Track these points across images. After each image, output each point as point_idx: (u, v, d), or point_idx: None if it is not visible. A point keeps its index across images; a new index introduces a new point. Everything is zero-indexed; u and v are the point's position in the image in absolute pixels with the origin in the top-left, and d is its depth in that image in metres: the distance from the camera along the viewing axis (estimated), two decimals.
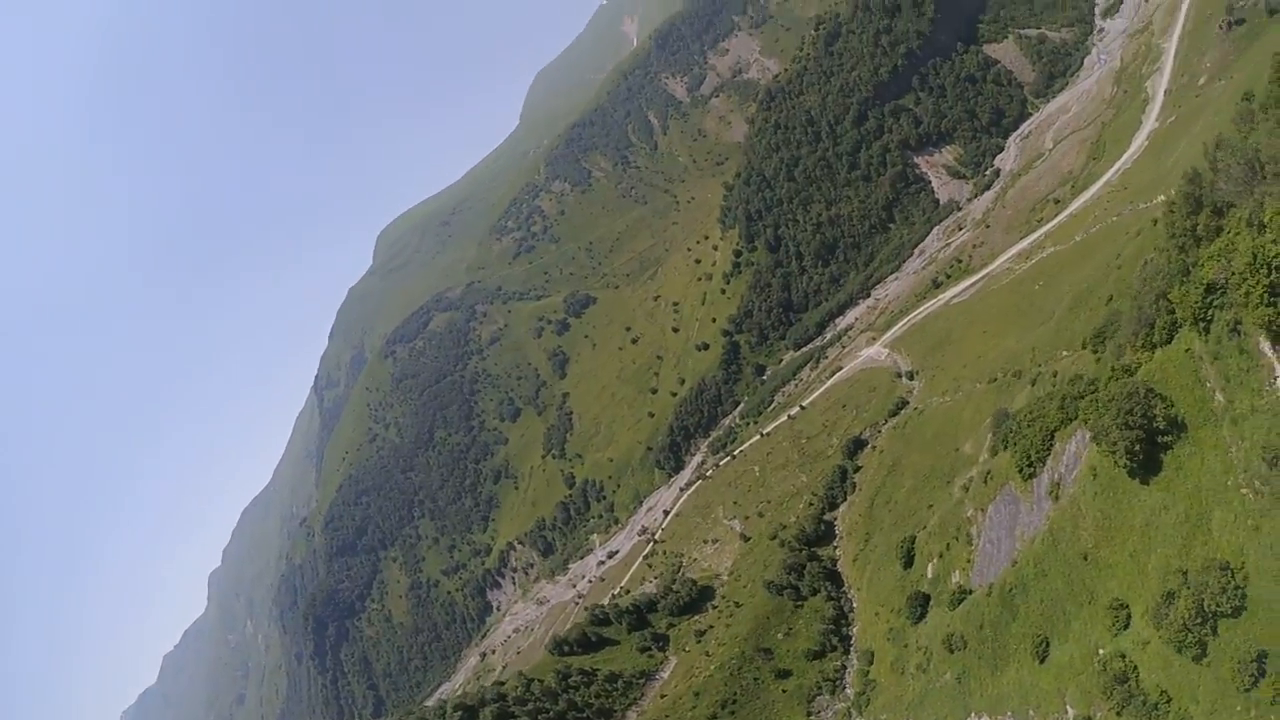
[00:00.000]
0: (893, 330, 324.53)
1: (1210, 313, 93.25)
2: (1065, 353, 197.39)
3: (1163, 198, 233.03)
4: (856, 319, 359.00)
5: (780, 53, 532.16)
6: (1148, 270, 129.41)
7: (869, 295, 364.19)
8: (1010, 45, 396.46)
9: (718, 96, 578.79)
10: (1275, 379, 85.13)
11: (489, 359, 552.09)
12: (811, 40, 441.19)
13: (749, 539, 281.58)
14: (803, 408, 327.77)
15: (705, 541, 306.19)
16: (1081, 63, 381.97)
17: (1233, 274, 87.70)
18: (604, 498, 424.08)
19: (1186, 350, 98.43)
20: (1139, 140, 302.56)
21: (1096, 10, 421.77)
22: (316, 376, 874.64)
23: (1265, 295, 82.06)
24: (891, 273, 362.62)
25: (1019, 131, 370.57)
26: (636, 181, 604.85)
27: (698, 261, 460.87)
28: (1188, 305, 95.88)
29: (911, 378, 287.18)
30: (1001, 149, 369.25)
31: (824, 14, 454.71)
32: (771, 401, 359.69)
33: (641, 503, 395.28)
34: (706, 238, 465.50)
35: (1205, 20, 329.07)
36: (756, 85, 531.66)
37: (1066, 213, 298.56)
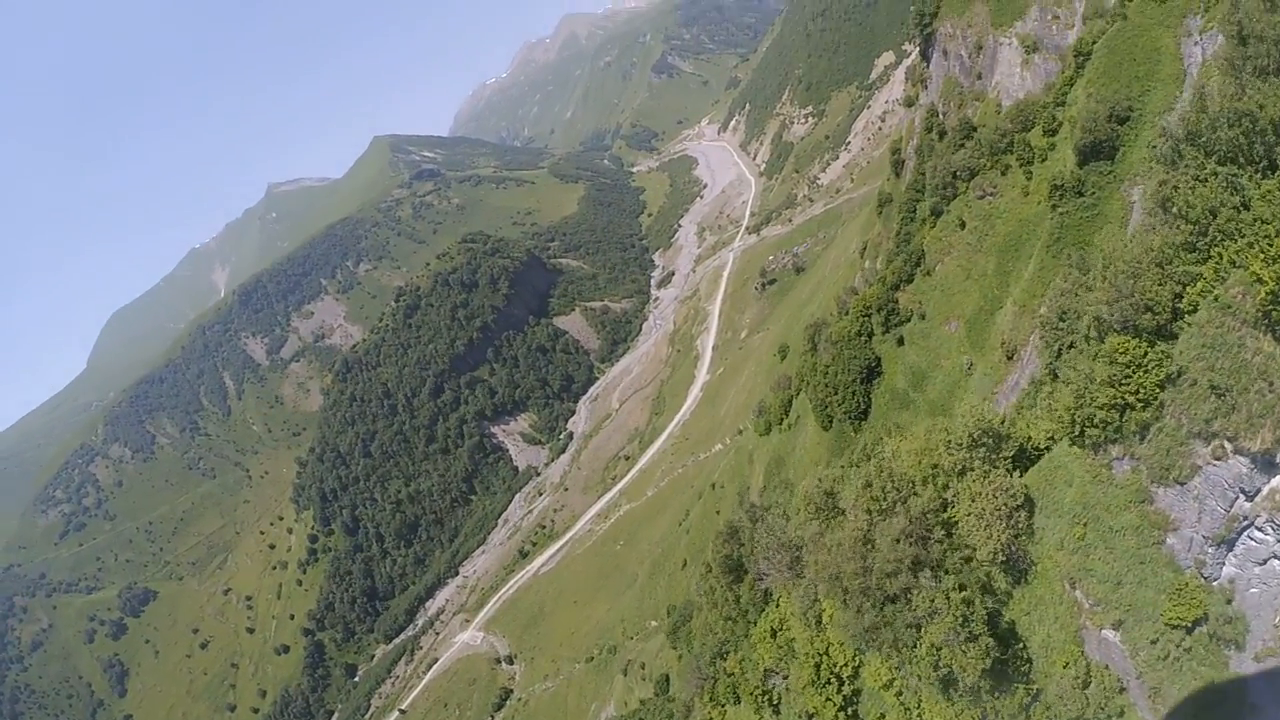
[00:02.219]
0: (486, 610, 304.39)
1: (775, 694, 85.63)
2: (654, 622, 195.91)
3: (719, 447, 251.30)
4: (448, 601, 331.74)
5: (365, 319, 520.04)
6: (699, 595, 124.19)
7: (457, 573, 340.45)
8: (578, 317, 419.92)
9: (298, 361, 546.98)
10: None
11: (32, 670, 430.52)
12: (391, 312, 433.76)
13: None
14: (402, 712, 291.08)
15: None
16: (640, 328, 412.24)
17: (794, 679, 78.54)
18: None
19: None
20: (694, 393, 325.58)
21: (652, 282, 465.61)
22: None
23: (841, 712, 71.95)
24: (478, 546, 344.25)
25: (588, 395, 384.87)
26: (206, 451, 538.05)
27: (271, 547, 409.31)
28: (748, 687, 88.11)
29: (511, 662, 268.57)
30: (573, 412, 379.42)
31: (407, 285, 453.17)
32: (369, 708, 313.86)
33: None
34: (281, 518, 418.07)
35: (744, 283, 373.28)
36: (338, 352, 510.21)
37: (637, 468, 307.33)
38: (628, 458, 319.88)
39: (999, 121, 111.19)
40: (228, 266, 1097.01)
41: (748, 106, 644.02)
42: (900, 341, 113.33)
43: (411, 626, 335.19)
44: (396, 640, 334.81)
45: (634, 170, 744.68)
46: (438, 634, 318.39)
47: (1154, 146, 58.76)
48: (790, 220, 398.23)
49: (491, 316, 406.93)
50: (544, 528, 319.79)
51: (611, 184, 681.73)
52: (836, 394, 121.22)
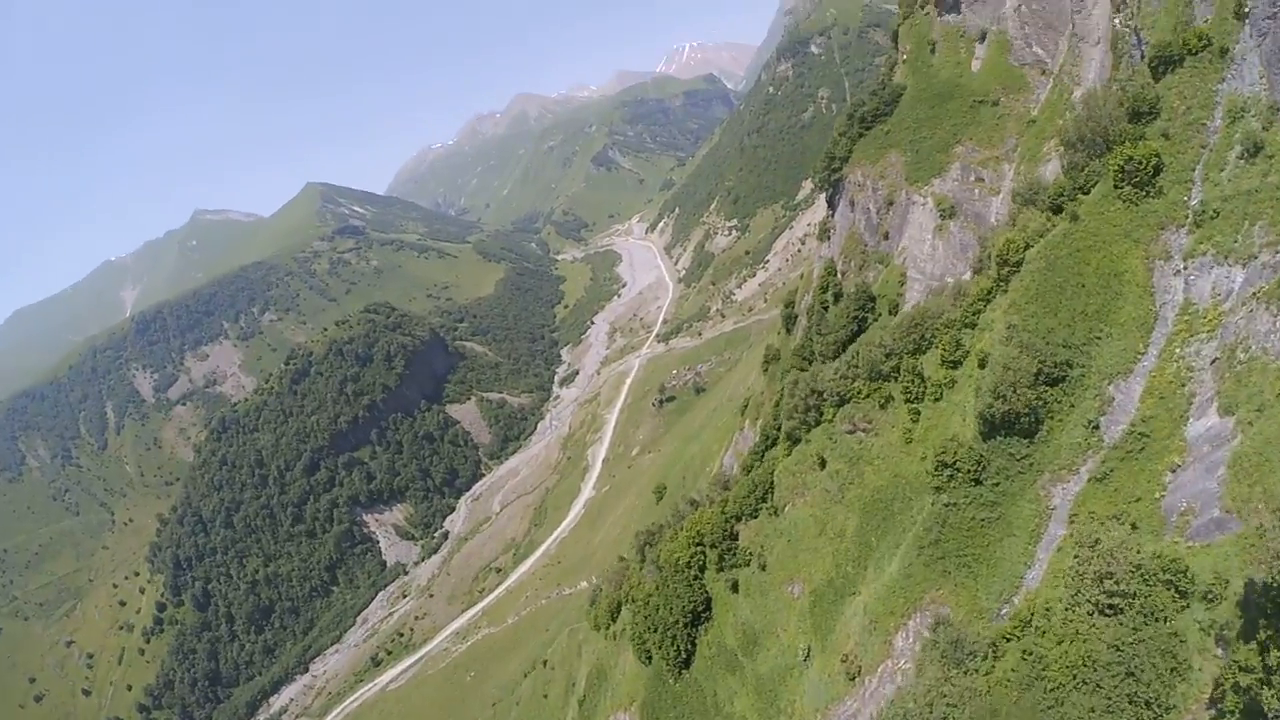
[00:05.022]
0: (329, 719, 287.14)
1: None
2: None
3: (584, 584, 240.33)
4: (292, 700, 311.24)
5: (260, 372, 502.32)
6: None
7: (307, 669, 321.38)
8: (473, 407, 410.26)
9: (184, 404, 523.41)
10: None
11: None
12: (279, 374, 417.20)
13: None
14: None
15: None
16: (535, 427, 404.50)
17: None
18: None
19: None
20: (577, 508, 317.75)
21: (556, 378, 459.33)
22: None
23: None
24: (332, 643, 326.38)
25: (471, 492, 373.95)
26: (74, 484, 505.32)
27: (122, 604, 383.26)
28: None
29: None
30: (453, 509, 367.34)
31: (300, 348, 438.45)
32: None
33: None
34: (137, 574, 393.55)
35: (645, 394, 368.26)
36: (227, 402, 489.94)
37: (505, 585, 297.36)
38: (499, 570, 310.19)
39: (886, 335, 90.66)
40: (139, 286, 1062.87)
41: (677, 210, 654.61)
42: (735, 588, 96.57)
43: None
44: None
45: (559, 258, 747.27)
46: None
47: None
48: (700, 334, 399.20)
49: (382, 395, 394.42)
50: (402, 635, 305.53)
51: (534, 269, 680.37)
52: (657, 632, 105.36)
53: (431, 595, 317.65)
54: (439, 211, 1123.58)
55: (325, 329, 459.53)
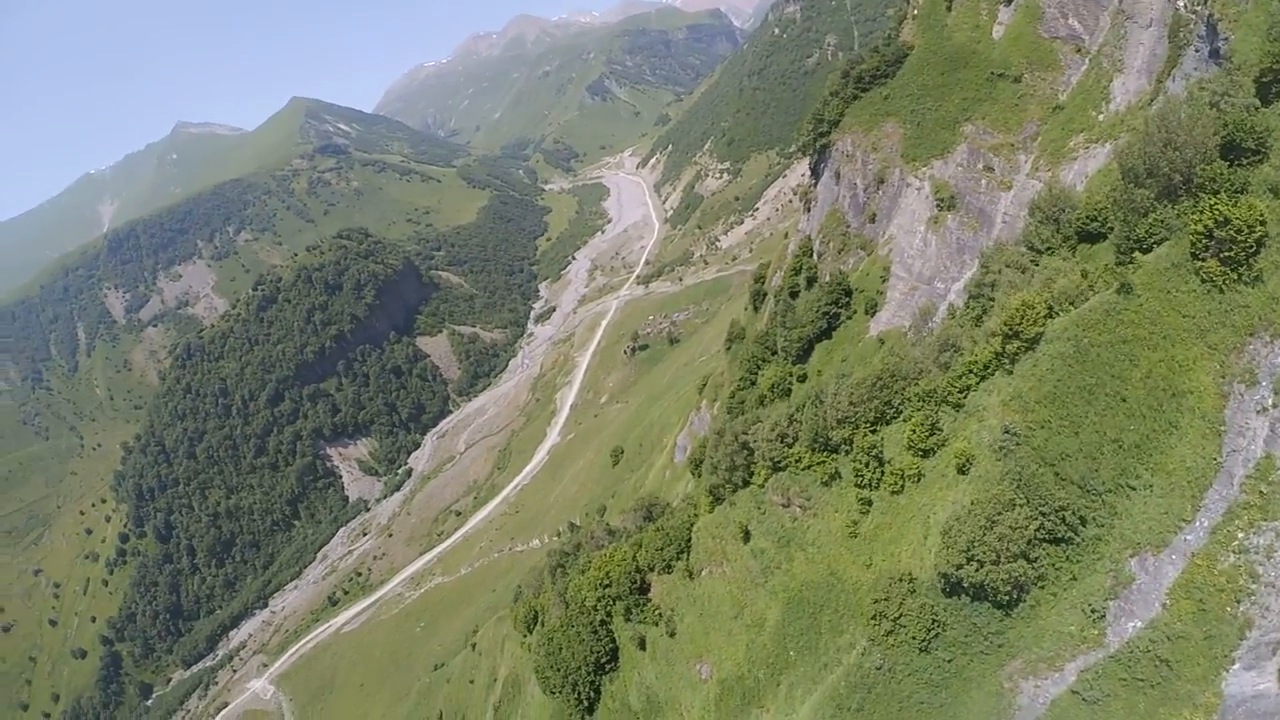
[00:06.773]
0: (284, 659, 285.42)
1: None
2: None
3: (537, 542, 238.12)
4: (251, 635, 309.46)
5: (233, 294, 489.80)
6: None
7: (266, 605, 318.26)
8: (444, 340, 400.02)
9: (156, 326, 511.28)
10: None
11: None
12: (247, 300, 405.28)
13: None
14: None
15: None
16: (507, 364, 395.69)
17: None
18: None
19: None
20: (541, 454, 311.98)
21: (532, 314, 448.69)
22: None
23: None
24: (292, 579, 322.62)
25: (437, 429, 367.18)
26: (44, 407, 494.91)
27: (89, 532, 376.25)
28: None
29: None
30: (418, 445, 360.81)
31: (268, 273, 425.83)
32: None
33: None
34: (104, 501, 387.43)
35: (619, 339, 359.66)
36: (199, 325, 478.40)
37: (463, 531, 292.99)
38: (459, 513, 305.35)
39: (839, 399, 67.96)
40: (117, 200, 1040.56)
41: (670, 147, 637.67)
42: (642, 645, 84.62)
43: (211, 655, 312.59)
44: (194, 668, 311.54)
45: (546, 188, 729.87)
46: (235, 671, 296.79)
47: None
48: (680, 280, 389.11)
49: (350, 326, 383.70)
50: (360, 575, 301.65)
51: (519, 198, 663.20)
52: (560, 673, 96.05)
53: (391, 535, 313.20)
54: (427, 133, 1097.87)
55: (296, 254, 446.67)
